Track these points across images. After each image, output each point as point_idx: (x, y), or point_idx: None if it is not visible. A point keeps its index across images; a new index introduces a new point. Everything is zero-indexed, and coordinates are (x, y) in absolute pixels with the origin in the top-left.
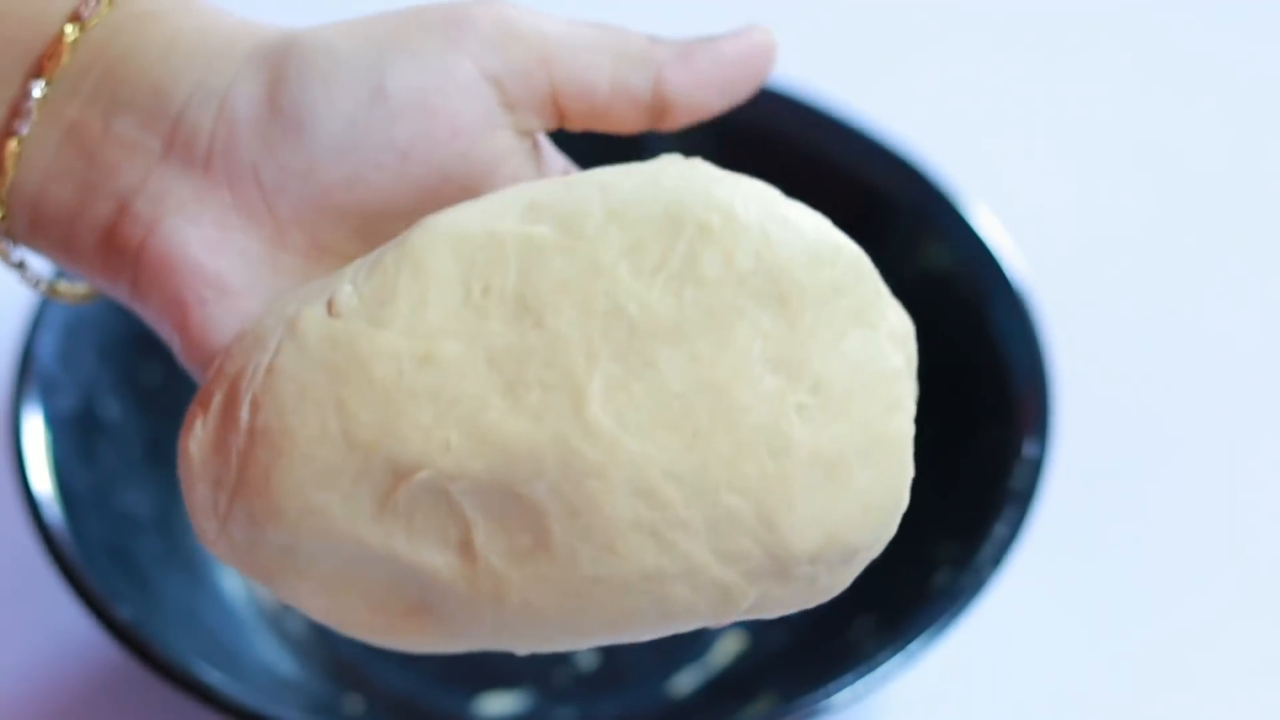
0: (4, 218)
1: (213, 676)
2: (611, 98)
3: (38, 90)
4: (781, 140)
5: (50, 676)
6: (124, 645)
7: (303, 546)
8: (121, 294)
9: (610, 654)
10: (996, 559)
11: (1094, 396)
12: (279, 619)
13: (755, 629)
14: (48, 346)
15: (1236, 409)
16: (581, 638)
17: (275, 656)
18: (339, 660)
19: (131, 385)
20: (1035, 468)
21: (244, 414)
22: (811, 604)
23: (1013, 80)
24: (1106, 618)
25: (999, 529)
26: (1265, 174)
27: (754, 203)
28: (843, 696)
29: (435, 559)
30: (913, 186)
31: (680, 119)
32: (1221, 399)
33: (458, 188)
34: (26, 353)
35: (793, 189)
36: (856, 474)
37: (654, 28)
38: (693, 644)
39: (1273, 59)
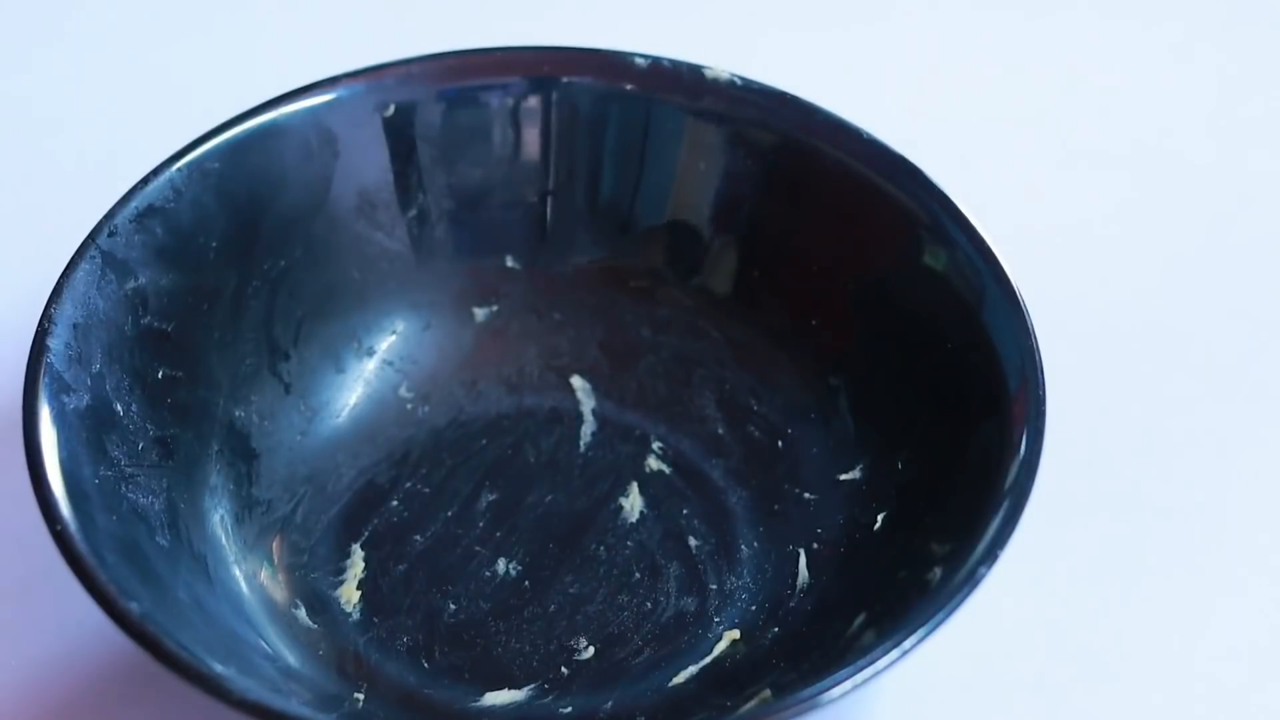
0: None
1: (222, 670)
2: None
3: None
4: (781, 141)
5: (62, 671)
6: (136, 639)
7: None
8: None
9: (610, 652)
10: (989, 555)
11: (1086, 395)
12: (287, 615)
13: (751, 627)
14: (58, 346)
15: (1228, 405)
16: None
17: (283, 651)
18: (346, 655)
19: (142, 384)
20: (1027, 465)
21: None
22: None
23: (1001, 82)
24: (1100, 611)
25: (992, 526)
26: (1257, 175)
27: None
28: (838, 690)
29: None
30: (909, 189)
31: None
32: (1213, 394)
33: None
34: (37, 353)
35: (792, 190)
36: None
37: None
38: (693, 642)
39: (1266, 61)
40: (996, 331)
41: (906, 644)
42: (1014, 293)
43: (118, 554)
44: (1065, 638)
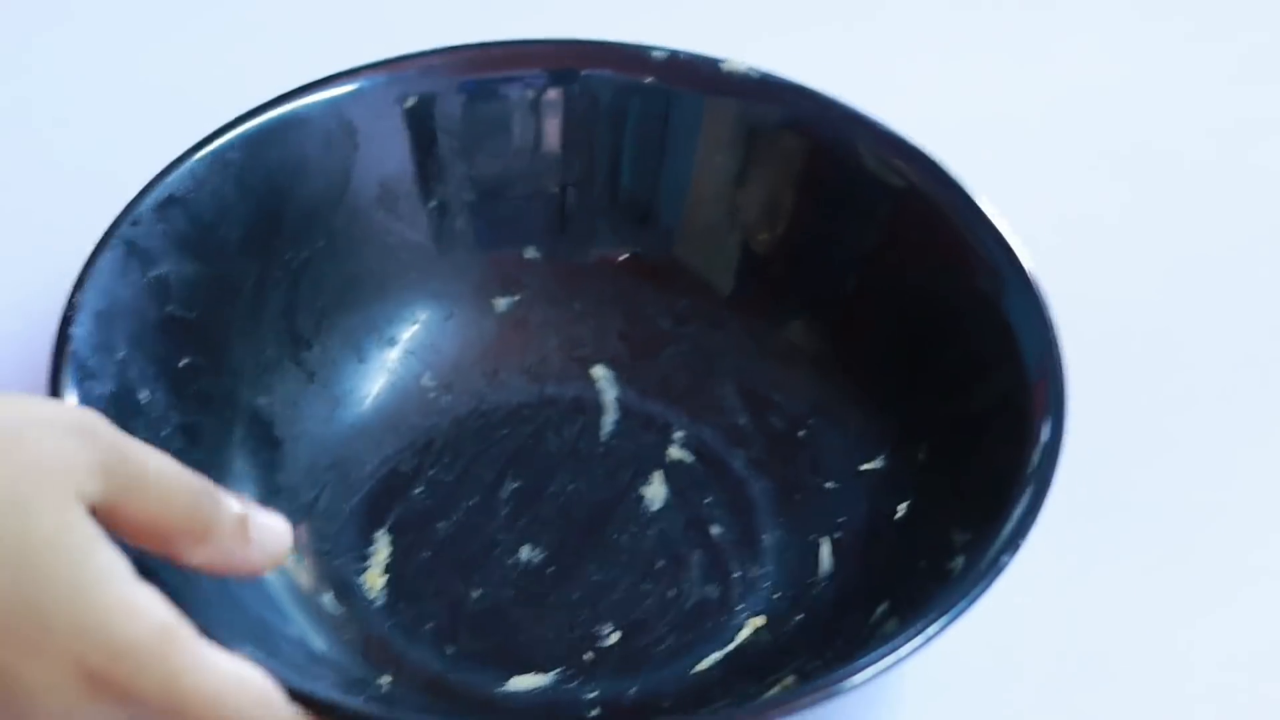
0: None
1: (244, 651)
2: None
3: None
4: (797, 134)
5: None
6: None
7: None
8: None
9: (634, 638)
10: (1011, 544)
11: (1105, 383)
12: (312, 600)
13: (775, 614)
14: (82, 334)
15: (1246, 392)
16: None
17: (309, 636)
18: (371, 641)
19: (165, 372)
20: (1049, 454)
21: None
22: None
23: (1012, 71)
24: (1120, 600)
25: (1014, 514)
26: (1268, 160)
27: None
28: (859, 677)
29: None
30: (928, 182)
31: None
32: (1231, 382)
33: None
34: (61, 340)
35: (810, 182)
36: None
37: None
38: (716, 629)
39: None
40: (1017, 322)
41: (929, 631)
42: (1034, 284)
43: None
44: (1085, 627)
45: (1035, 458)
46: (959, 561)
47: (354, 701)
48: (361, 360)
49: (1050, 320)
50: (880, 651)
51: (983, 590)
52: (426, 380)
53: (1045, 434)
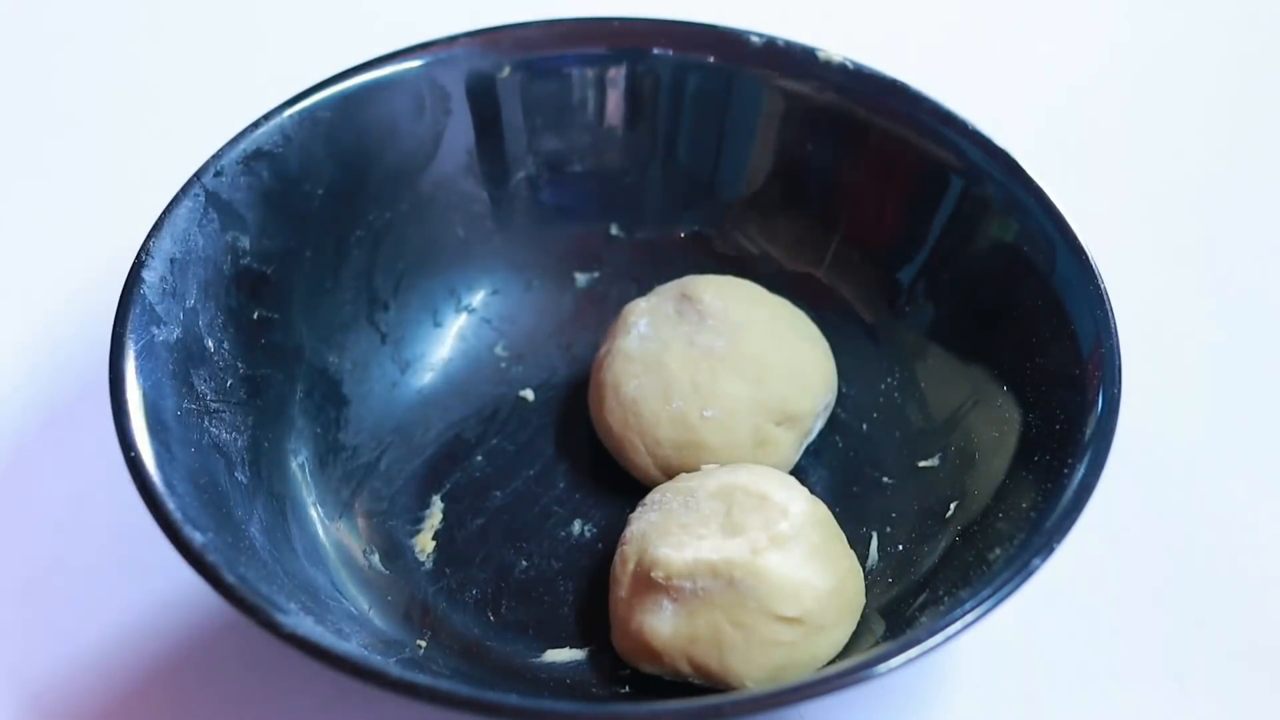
0: None
1: (282, 605)
2: None
3: None
4: (886, 126)
5: (154, 629)
6: (196, 569)
7: None
8: None
9: None
10: (1054, 535)
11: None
12: (360, 560)
13: None
14: (153, 279)
15: None
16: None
17: (353, 595)
18: (414, 603)
19: (236, 323)
20: (1099, 444)
21: None
22: None
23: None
24: (1161, 592)
25: (1058, 508)
26: None
27: None
28: (884, 666)
29: None
30: (981, 162)
31: None
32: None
33: None
34: (131, 283)
35: (888, 173)
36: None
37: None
38: None
39: None
40: (1069, 299)
41: (968, 619)
42: (1086, 260)
43: (190, 485)
44: (1130, 612)
45: (1081, 466)
46: (998, 553)
47: (384, 661)
48: (436, 325)
49: (1104, 298)
50: (910, 639)
51: (1021, 583)
52: (500, 350)
53: (1098, 417)
